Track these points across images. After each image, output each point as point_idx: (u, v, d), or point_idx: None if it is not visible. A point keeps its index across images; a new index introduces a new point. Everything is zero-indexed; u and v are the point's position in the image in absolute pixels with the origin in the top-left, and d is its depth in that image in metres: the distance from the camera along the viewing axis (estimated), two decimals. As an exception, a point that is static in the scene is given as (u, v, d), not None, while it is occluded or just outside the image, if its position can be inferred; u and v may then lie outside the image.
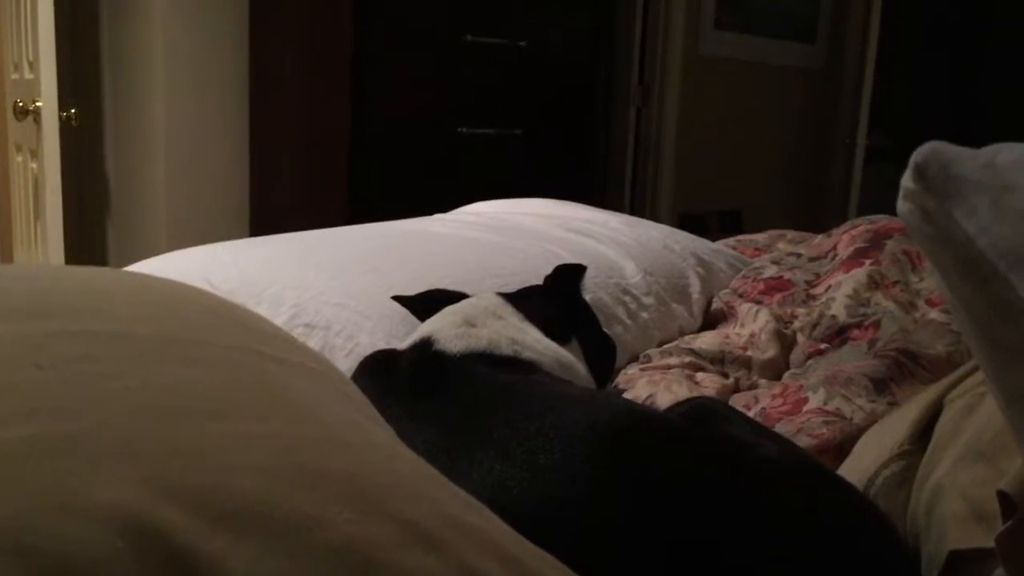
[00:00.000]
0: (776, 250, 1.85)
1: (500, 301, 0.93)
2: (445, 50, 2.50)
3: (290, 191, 2.54)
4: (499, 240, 1.22)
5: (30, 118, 2.39)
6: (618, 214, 1.60)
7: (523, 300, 0.95)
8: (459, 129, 2.58)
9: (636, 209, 3.87)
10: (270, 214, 2.60)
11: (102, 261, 2.79)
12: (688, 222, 3.97)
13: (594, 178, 3.03)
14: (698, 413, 0.78)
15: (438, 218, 1.47)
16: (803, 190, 4.29)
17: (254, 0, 2.54)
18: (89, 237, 2.81)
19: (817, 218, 4.27)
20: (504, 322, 0.89)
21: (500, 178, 2.70)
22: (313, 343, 0.98)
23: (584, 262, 1.05)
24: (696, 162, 3.92)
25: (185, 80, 2.48)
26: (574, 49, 2.84)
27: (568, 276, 1.00)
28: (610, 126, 3.63)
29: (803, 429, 0.94)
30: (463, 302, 0.94)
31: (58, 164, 2.35)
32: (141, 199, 2.60)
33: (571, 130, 2.91)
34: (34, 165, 2.47)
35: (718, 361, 1.15)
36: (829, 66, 4.24)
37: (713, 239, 4.31)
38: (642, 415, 0.72)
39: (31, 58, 2.40)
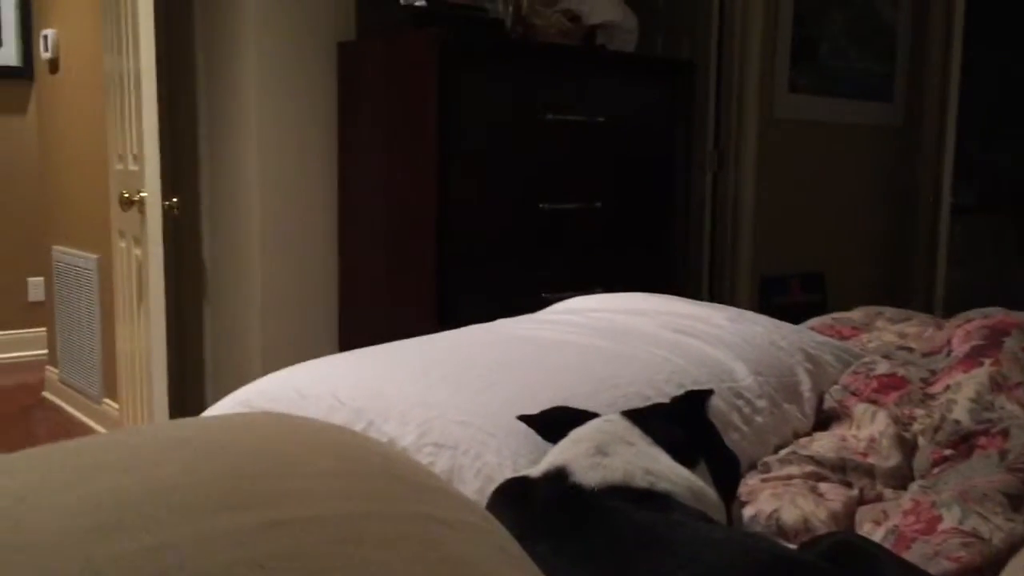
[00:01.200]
0: (875, 329, 1.82)
1: (627, 424, 0.94)
2: (526, 128, 2.55)
3: (378, 269, 2.60)
4: (610, 346, 1.23)
5: (134, 208, 2.50)
6: (719, 307, 1.60)
7: (649, 421, 0.95)
8: (540, 205, 2.62)
9: (716, 273, 3.85)
10: (359, 291, 2.66)
11: (199, 340, 2.89)
12: (769, 285, 3.94)
13: (673, 245, 3.03)
14: (843, 553, 0.77)
15: (544, 319, 1.49)
16: (887, 250, 4.22)
17: (343, 88, 2.64)
18: (187, 317, 2.91)
19: (904, 279, 4.19)
20: (635, 449, 0.90)
21: (581, 251, 2.73)
22: (442, 463, 1.00)
23: (695, 366, 1.06)
24: (775, 224, 3.89)
25: (277, 169, 2.58)
26: (650, 119, 2.87)
27: (696, 399, 1.01)
28: (687, 192, 3.64)
29: (941, 551, 0.92)
30: (591, 425, 0.95)
31: (161, 251, 2.46)
32: (236, 281, 2.69)
33: (649, 199, 2.92)
34: (138, 252, 2.58)
35: (839, 469, 1.13)
36: (908, 123, 4.19)
37: (795, 302, 4.24)
38: (789, 562, 0.72)
39: (135, 151, 2.52)
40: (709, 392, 1.02)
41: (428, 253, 2.42)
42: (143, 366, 2.60)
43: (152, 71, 2.39)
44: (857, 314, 1.99)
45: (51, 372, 3.94)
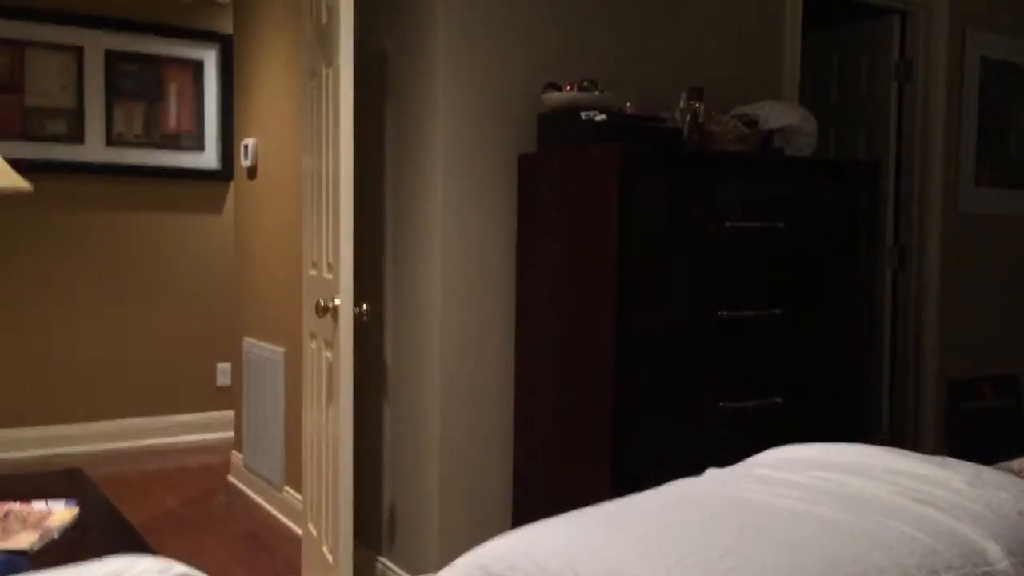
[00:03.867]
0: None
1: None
2: (705, 236, 2.55)
3: (554, 369, 2.63)
4: (848, 520, 1.18)
5: (328, 314, 2.65)
6: (950, 463, 1.49)
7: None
8: (719, 312, 2.58)
9: (899, 377, 3.67)
10: (535, 389, 2.70)
11: (378, 438, 2.99)
12: (959, 389, 3.71)
13: (854, 350, 2.91)
14: None
15: (762, 478, 1.43)
16: (1090, 352, 3.90)
17: (523, 197, 2.72)
18: (368, 414, 3.03)
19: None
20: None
21: (759, 359, 2.67)
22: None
23: (946, 547, 1.00)
24: (962, 324, 3.68)
25: (459, 274, 2.67)
26: (830, 222, 2.80)
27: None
28: (869, 294, 3.50)
29: None
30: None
31: (351, 355, 2.58)
32: (416, 379, 2.79)
33: (829, 304, 2.83)
34: (328, 354, 2.72)
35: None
36: (1109, 216, 3.91)
37: (987, 407, 3.96)
38: None
39: (331, 260, 2.68)
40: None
41: (605, 356, 2.43)
42: (328, 460, 2.71)
43: (350, 183, 2.55)
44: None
45: (236, 457, 4.17)
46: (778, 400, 2.68)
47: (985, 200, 3.71)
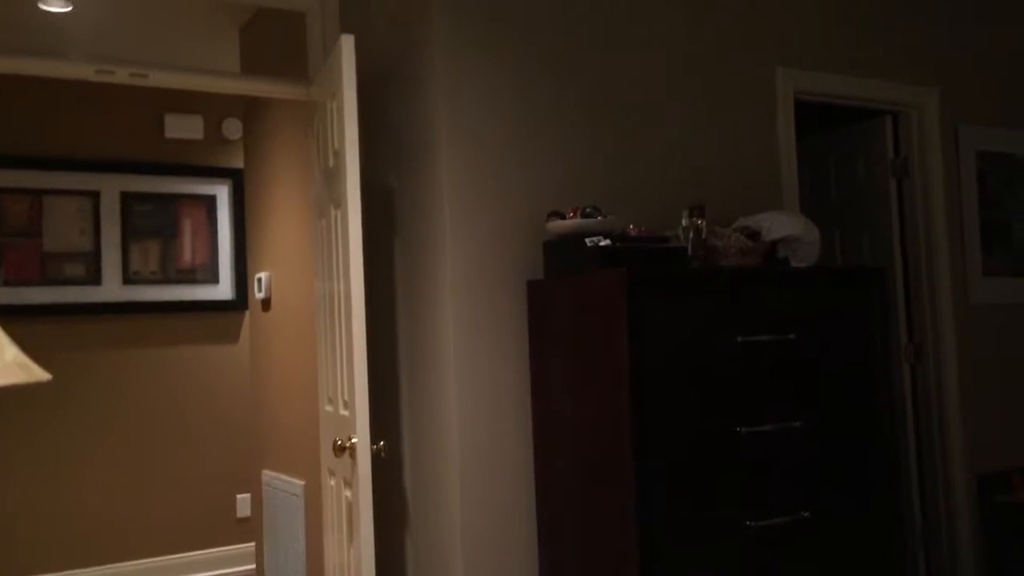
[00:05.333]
0: None
1: None
2: (717, 354, 2.55)
3: (574, 493, 2.60)
4: None
5: (346, 453, 2.64)
6: None
7: None
8: (737, 429, 2.57)
9: (928, 473, 3.60)
10: (556, 512, 2.66)
11: (400, 563, 2.94)
12: (989, 482, 3.63)
13: (880, 452, 2.87)
14: None
15: None
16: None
17: (533, 322, 2.75)
18: (390, 549, 2.99)
19: None
20: None
21: (783, 473, 2.63)
22: None
23: None
24: (987, 415, 3.64)
25: (474, 402, 2.67)
26: (842, 329, 2.80)
27: None
28: (888, 392, 3.48)
29: None
30: None
31: (371, 495, 2.56)
32: (436, 510, 2.75)
33: (848, 409, 2.80)
34: (347, 493, 2.70)
35: None
36: (1123, 297, 3.90)
37: (1019, 497, 3.86)
38: None
39: (346, 397, 2.69)
40: None
41: (625, 475, 2.40)
42: (352, 602, 2.67)
43: (362, 322, 2.58)
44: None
45: (259, 592, 4.09)
46: (806, 514, 2.64)
47: (995, 290, 3.71)
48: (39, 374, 1.25)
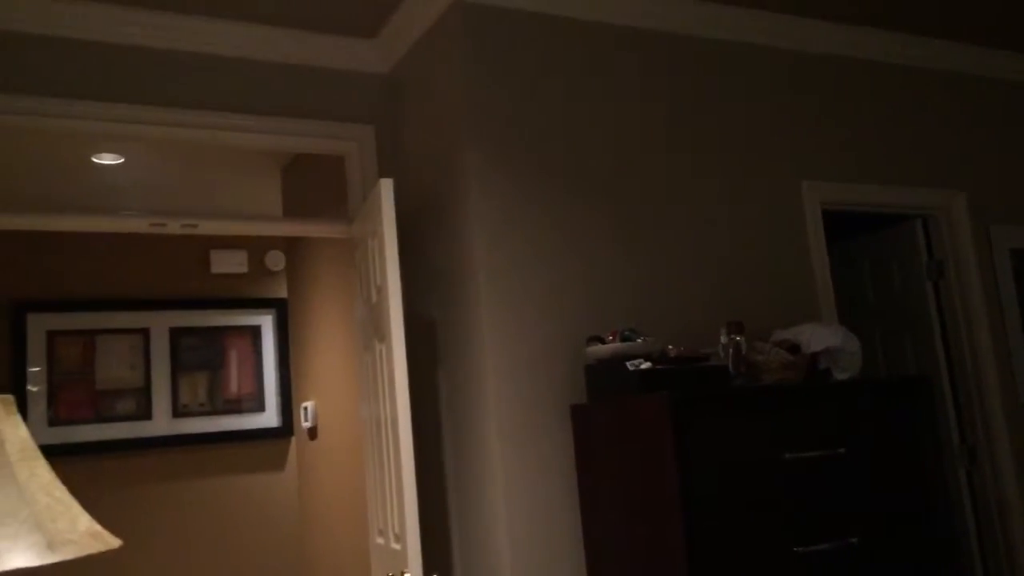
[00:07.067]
0: None
1: None
2: (764, 470, 2.53)
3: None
4: None
5: (398, 587, 2.63)
6: None
7: None
8: (795, 549, 2.52)
9: (994, 584, 3.48)
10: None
11: None
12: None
13: (946, 568, 2.79)
14: None
15: None
16: None
17: (579, 446, 2.75)
18: None
19: None
20: None
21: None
22: None
23: None
24: (1050, 519, 3.52)
25: (524, 527, 2.66)
26: (892, 438, 2.77)
27: None
28: (946, 500, 3.41)
29: None
30: None
31: (424, 631, 2.54)
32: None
33: (904, 522, 2.75)
34: (401, 629, 2.67)
35: None
36: None
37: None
38: None
39: (397, 530, 2.70)
40: None
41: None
42: None
43: (411, 457, 2.61)
44: None
45: None
46: (871, 636, 2.56)
47: (1046, 385, 3.65)
48: (111, 542, 1.29)
